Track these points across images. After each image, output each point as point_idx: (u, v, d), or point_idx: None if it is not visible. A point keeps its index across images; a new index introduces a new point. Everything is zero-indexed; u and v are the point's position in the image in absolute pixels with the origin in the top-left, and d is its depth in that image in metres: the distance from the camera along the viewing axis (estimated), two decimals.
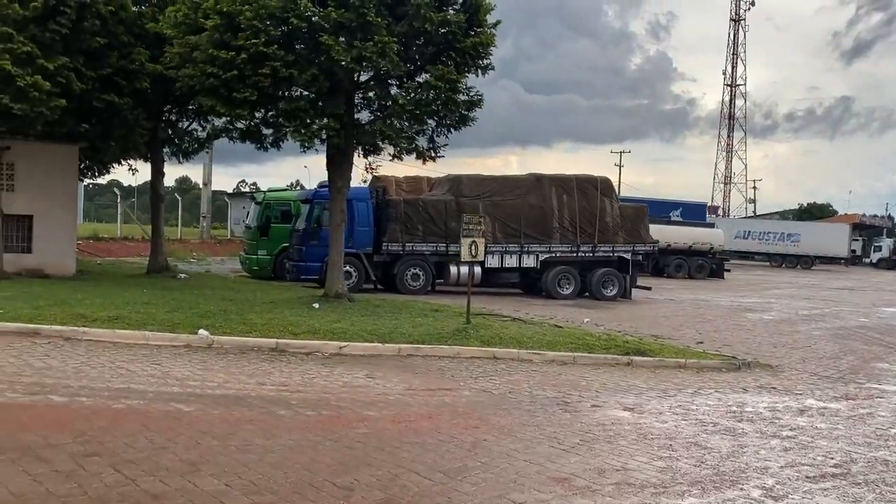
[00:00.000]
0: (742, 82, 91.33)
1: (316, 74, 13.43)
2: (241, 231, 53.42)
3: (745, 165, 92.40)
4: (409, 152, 15.24)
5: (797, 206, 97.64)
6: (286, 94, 14.23)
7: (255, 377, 9.36)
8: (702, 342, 14.78)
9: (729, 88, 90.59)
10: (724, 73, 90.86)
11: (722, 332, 16.88)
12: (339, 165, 15.06)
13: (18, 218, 18.34)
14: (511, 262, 24.20)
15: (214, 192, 49.57)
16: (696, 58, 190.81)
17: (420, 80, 14.73)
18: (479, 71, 14.60)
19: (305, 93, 14.40)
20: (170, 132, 20.51)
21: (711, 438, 7.75)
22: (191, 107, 20.01)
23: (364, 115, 15.56)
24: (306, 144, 14.27)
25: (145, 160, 20.90)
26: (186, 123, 20.90)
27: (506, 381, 10.18)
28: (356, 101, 15.13)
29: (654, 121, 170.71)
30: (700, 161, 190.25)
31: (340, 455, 6.38)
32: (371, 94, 14.90)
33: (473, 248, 12.89)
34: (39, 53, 13.98)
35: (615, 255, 25.07)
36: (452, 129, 15.13)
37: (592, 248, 24.79)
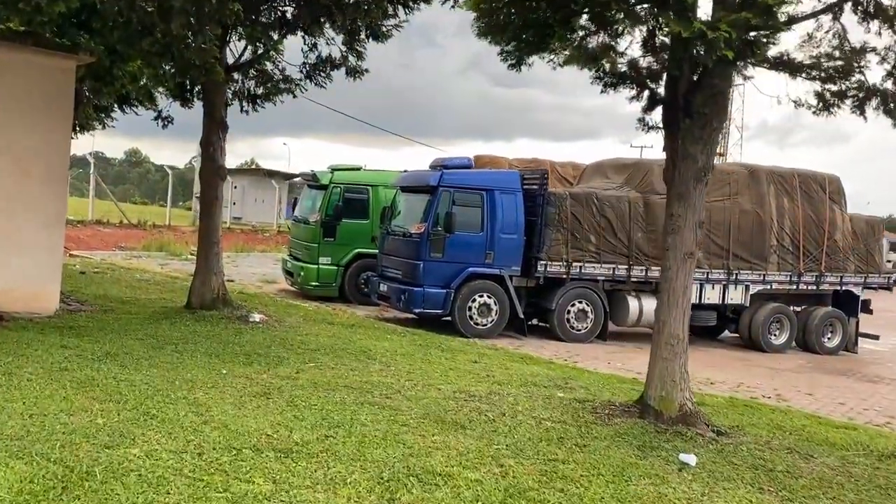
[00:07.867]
0: None
1: None
2: (241, 217, 43.74)
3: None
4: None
5: None
6: None
7: None
8: None
9: None
10: None
11: None
12: (699, 121, 6.53)
13: None
14: (712, 295, 16.01)
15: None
16: None
17: None
18: None
19: None
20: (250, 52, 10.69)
21: None
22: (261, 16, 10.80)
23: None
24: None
25: (185, 102, 11.61)
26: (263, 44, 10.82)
27: None
28: None
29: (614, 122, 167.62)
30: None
31: None
32: None
33: None
34: None
35: (842, 288, 17.17)
36: None
37: (817, 277, 16.82)
